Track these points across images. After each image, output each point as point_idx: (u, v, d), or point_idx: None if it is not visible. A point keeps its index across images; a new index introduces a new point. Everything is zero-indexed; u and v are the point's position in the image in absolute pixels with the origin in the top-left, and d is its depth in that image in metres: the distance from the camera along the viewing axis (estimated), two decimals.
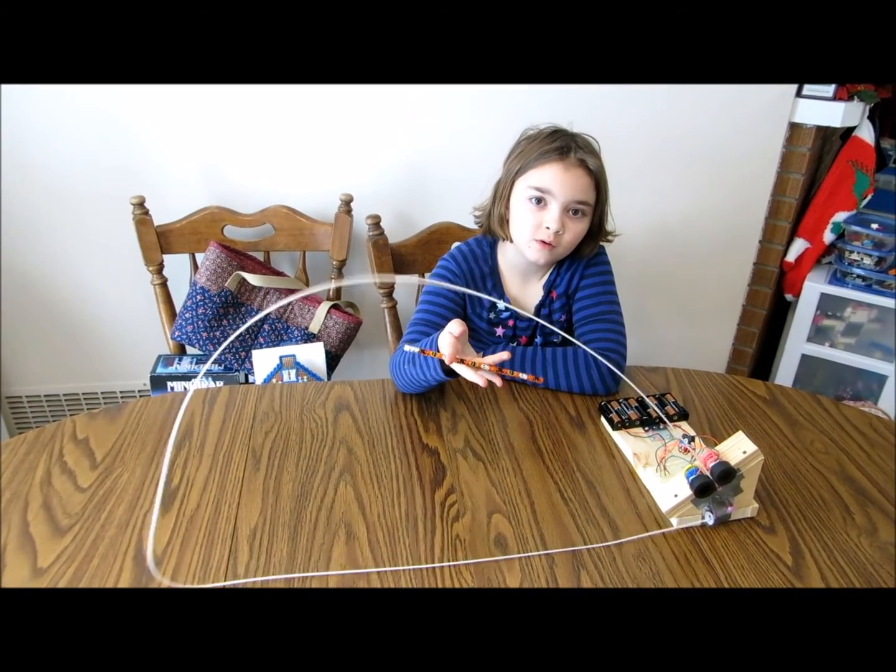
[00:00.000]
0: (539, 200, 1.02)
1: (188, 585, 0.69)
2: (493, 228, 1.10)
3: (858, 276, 1.74)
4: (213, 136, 1.49)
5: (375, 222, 1.35)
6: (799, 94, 1.59)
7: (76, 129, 1.44)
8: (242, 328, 0.69)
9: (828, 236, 1.76)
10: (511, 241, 1.09)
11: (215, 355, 0.69)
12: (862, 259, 1.73)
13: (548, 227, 1.01)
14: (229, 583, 0.69)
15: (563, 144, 1.00)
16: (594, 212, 1.05)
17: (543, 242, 1.03)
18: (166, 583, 0.69)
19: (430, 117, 1.52)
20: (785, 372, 1.90)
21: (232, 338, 0.66)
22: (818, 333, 1.84)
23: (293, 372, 1.34)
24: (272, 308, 0.72)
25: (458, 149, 1.53)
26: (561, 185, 1.00)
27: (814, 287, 1.78)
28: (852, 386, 1.88)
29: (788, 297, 1.88)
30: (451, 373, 0.92)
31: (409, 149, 1.55)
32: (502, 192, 1.07)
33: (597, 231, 1.08)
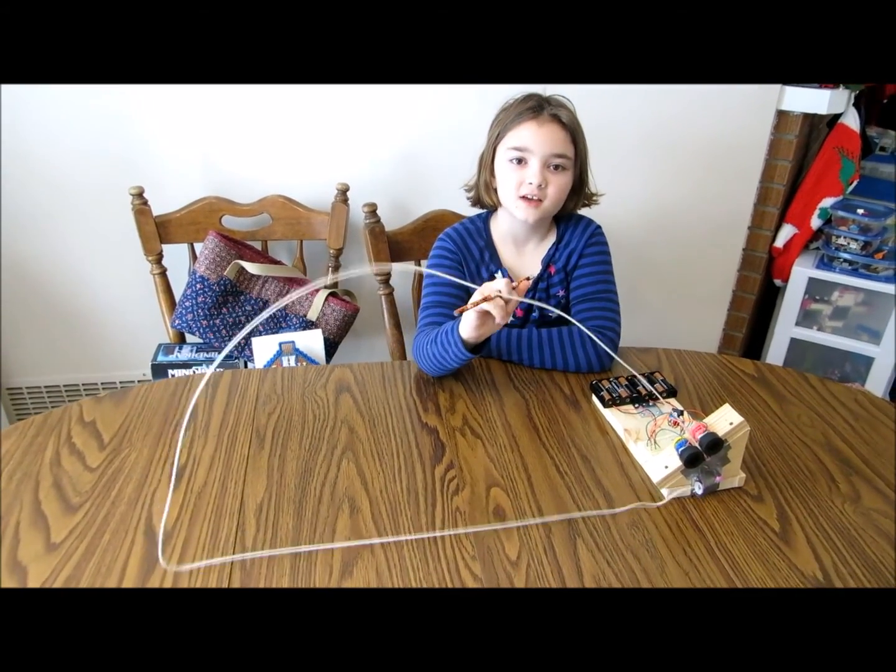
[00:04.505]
0: (519, 161, 1.05)
1: (196, 564, 0.71)
2: (481, 198, 1.15)
3: (845, 260, 1.78)
4: (211, 127, 1.51)
5: (372, 210, 1.37)
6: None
7: (75, 120, 1.46)
8: (255, 322, 0.71)
9: (815, 222, 1.79)
10: (500, 206, 1.12)
11: (228, 348, 0.71)
12: (848, 244, 1.76)
13: (530, 183, 1.04)
14: (238, 556, 0.72)
15: (535, 104, 1.05)
16: (575, 165, 1.08)
17: (528, 199, 1.06)
18: (173, 569, 0.70)
19: (424, 108, 1.54)
20: (774, 355, 1.94)
21: (245, 332, 0.68)
22: (806, 317, 1.88)
23: (292, 358, 1.36)
24: (281, 303, 0.74)
25: (453, 138, 1.56)
26: (537, 140, 1.03)
27: (802, 272, 1.81)
28: (840, 368, 1.91)
29: (777, 282, 1.91)
30: (474, 350, 0.97)
31: (405, 138, 1.57)
32: (486, 161, 1.11)
33: (579, 186, 1.11)
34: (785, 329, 1.89)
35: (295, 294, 0.77)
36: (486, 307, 0.89)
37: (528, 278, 0.92)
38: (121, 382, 1.78)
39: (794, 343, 1.90)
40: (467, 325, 0.94)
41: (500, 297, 0.88)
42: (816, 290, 1.83)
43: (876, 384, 1.84)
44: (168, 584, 0.68)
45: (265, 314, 0.71)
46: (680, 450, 0.80)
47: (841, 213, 1.75)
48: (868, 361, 1.84)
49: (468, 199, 1.19)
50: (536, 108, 1.04)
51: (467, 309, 0.89)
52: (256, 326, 1.44)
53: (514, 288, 0.90)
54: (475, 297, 0.90)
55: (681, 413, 0.88)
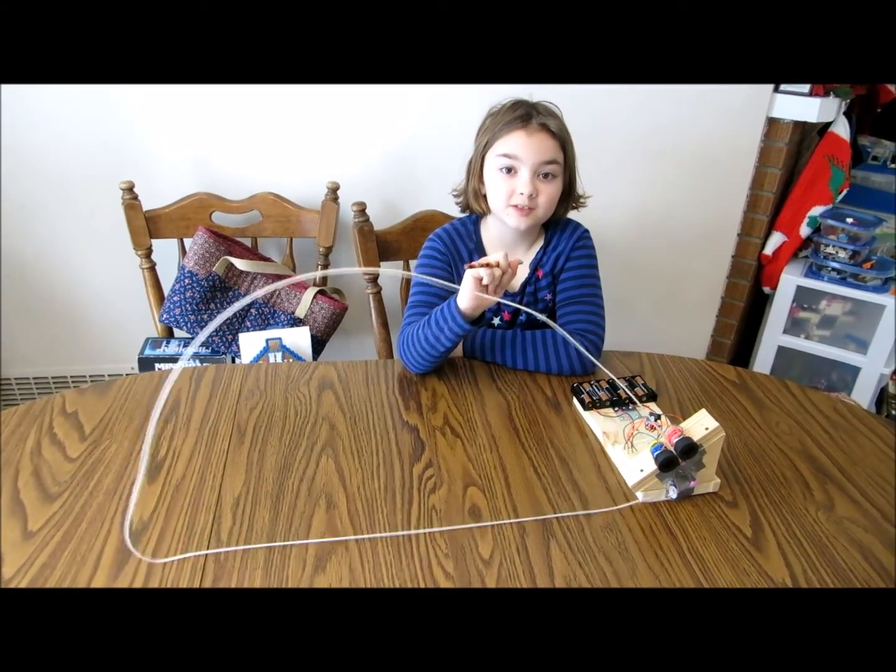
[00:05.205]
0: (509, 169, 1.06)
1: (171, 558, 0.72)
2: (470, 205, 1.15)
3: (834, 269, 1.79)
4: (203, 123, 1.52)
5: (361, 209, 1.37)
6: (776, 89, 1.63)
7: (69, 113, 1.46)
8: (229, 311, 0.71)
9: (804, 230, 1.81)
10: (489, 213, 1.13)
11: (201, 337, 0.72)
12: (837, 252, 1.77)
13: (521, 193, 1.05)
14: (212, 551, 0.72)
15: (524, 113, 1.05)
16: (564, 172, 1.09)
17: (519, 208, 1.06)
18: (146, 559, 0.71)
19: (417, 108, 1.55)
20: (762, 363, 1.95)
21: (218, 321, 0.69)
22: (794, 325, 1.89)
23: (279, 355, 1.37)
24: (258, 293, 0.74)
25: (444, 139, 1.56)
26: (527, 150, 1.04)
27: (790, 280, 1.82)
28: (827, 377, 1.93)
29: (766, 289, 1.92)
30: (473, 322, 0.99)
31: (396, 138, 1.58)
32: (474, 168, 1.12)
33: (568, 193, 1.13)
34: (772, 337, 1.90)
35: (272, 286, 0.78)
36: (482, 273, 0.93)
37: (520, 261, 0.96)
38: (109, 375, 1.78)
39: (782, 351, 1.91)
40: (467, 296, 0.96)
41: (499, 266, 0.94)
42: (804, 298, 1.84)
43: (862, 394, 1.85)
44: (142, 575, 0.69)
45: (238, 305, 0.72)
46: (655, 454, 0.80)
47: (830, 222, 1.76)
48: (855, 371, 1.85)
49: (457, 204, 1.19)
50: (525, 116, 1.04)
51: (473, 266, 0.94)
52: (244, 322, 1.44)
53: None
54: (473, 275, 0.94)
55: (658, 417, 0.89)
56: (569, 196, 1.13)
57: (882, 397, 1.88)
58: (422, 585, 0.69)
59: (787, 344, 1.90)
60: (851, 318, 1.83)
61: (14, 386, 1.76)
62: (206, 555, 0.72)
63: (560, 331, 0.98)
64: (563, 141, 1.07)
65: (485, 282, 0.94)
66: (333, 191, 1.50)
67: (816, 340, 1.88)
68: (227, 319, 1.42)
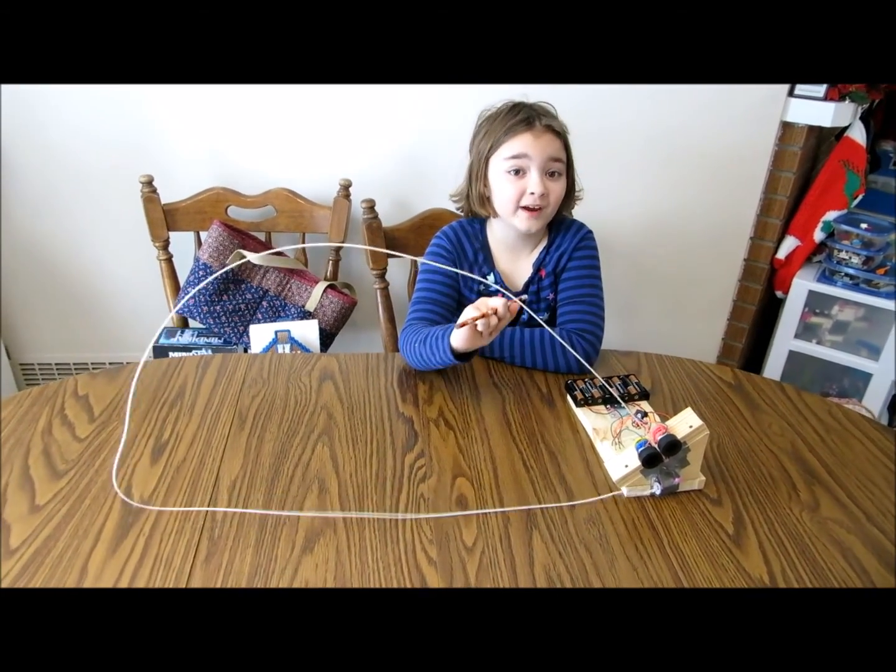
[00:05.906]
0: (517, 171, 1.08)
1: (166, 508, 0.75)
2: (474, 209, 1.16)
3: (847, 274, 1.77)
4: (221, 120, 1.56)
5: (370, 206, 1.40)
6: (791, 93, 1.62)
7: (90, 110, 1.51)
8: (208, 280, 0.74)
9: (818, 235, 1.79)
10: (496, 217, 1.15)
11: (181, 303, 0.74)
12: (850, 258, 1.76)
13: (532, 193, 1.07)
14: (207, 508, 0.76)
15: (527, 115, 1.07)
16: (567, 170, 1.11)
17: (530, 209, 1.08)
18: (121, 494, 0.75)
19: (427, 108, 1.57)
20: (773, 367, 1.94)
21: (197, 288, 0.71)
22: (806, 330, 1.88)
23: (287, 346, 1.41)
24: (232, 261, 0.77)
25: (453, 139, 1.57)
26: (535, 151, 1.06)
27: (803, 284, 1.81)
28: (839, 383, 1.91)
29: (778, 293, 1.91)
30: (461, 357, 0.98)
31: (407, 138, 1.61)
32: (478, 173, 1.13)
33: (571, 190, 1.15)
34: (784, 341, 1.89)
35: (248, 257, 0.81)
36: (479, 322, 0.92)
37: (522, 299, 0.94)
38: (127, 363, 1.83)
39: (793, 356, 1.90)
40: (460, 337, 0.95)
41: (496, 315, 0.91)
42: (817, 303, 1.83)
43: (874, 400, 1.83)
44: (139, 550, 0.72)
45: (214, 276, 0.75)
46: (639, 450, 0.82)
47: (844, 227, 1.75)
48: (867, 377, 1.83)
49: (458, 209, 1.21)
50: (529, 120, 1.06)
51: (467, 324, 0.92)
52: (256, 314, 1.48)
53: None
54: (472, 313, 0.92)
55: (644, 415, 0.90)
56: (571, 194, 1.15)
57: (894, 404, 1.86)
58: (405, 569, 0.72)
59: (798, 349, 1.89)
60: (864, 324, 1.82)
61: (37, 370, 1.83)
62: (201, 533, 0.75)
63: (556, 335, 0.99)
64: (565, 140, 1.09)
65: (479, 329, 0.92)
66: (345, 188, 1.54)
67: (828, 346, 1.86)
68: (239, 311, 1.46)
